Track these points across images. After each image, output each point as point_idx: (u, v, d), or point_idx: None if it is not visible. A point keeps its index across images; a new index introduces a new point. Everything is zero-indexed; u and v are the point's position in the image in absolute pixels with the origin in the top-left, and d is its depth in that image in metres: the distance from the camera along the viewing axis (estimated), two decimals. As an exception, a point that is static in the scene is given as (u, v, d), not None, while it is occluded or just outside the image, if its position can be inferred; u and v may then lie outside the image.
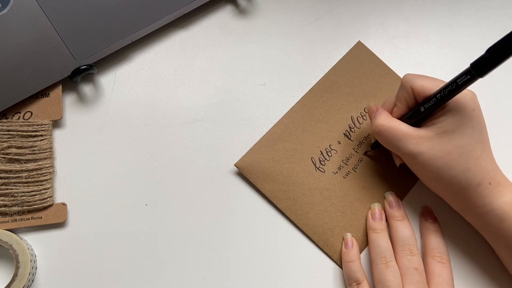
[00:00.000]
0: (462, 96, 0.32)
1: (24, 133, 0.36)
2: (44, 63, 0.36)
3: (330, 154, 0.40)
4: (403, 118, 0.36)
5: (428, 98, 0.33)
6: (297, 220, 0.38)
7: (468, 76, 0.29)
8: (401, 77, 0.43)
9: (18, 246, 0.33)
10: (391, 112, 0.37)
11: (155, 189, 0.38)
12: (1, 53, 0.35)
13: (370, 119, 0.38)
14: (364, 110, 0.42)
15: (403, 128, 0.34)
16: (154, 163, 0.38)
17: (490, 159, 0.34)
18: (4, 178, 0.35)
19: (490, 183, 0.33)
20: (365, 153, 0.40)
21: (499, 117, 0.43)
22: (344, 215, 0.38)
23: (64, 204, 0.36)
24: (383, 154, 0.40)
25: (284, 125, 0.40)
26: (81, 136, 0.38)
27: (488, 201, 0.33)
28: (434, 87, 0.33)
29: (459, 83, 0.30)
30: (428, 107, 0.33)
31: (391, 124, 0.35)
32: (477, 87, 0.33)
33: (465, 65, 0.42)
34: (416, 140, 0.33)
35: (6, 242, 0.33)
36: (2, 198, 0.34)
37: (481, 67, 0.28)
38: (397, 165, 0.37)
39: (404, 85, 0.35)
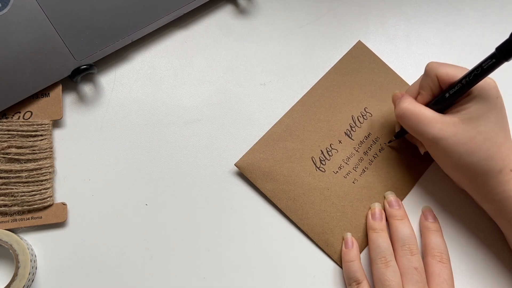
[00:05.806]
0: (486, 83, 0.33)
1: (24, 133, 0.36)
2: (44, 63, 0.36)
3: (330, 154, 0.40)
4: (428, 105, 0.36)
5: (453, 84, 0.33)
6: (297, 220, 0.38)
7: (494, 60, 0.30)
8: (401, 76, 0.43)
9: (18, 246, 0.33)
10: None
11: (155, 189, 0.38)
12: (1, 53, 0.35)
13: (394, 105, 0.38)
14: (365, 110, 0.42)
15: (428, 113, 0.34)
16: (154, 163, 0.38)
17: (511, 146, 0.34)
18: (4, 178, 0.35)
19: (511, 170, 0.34)
20: (388, 142, 0.40)
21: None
22: (344, 215, 0.38)
23: (64, 204, 0.36)
24: (403, 146, 0.40)
25: (284, 125, 0.40)
26: (81, 136, 0.38)
27: (508, 188, 0.34)
28: (459, 74, 0.33)
29: (485, 67, 0.30)
30: (453, 93, 0.33)
31: (416, 108, 0.35)
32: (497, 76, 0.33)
33: (465, 65, 0.42)
34: (440, 125, 0.34)
35: (6, 242, 0.33)
36: (2, 198, 0.34)
37: (507, 50, 0.29)
38: (422, 153, 0.38)
39: (429, 73, 0.35)
